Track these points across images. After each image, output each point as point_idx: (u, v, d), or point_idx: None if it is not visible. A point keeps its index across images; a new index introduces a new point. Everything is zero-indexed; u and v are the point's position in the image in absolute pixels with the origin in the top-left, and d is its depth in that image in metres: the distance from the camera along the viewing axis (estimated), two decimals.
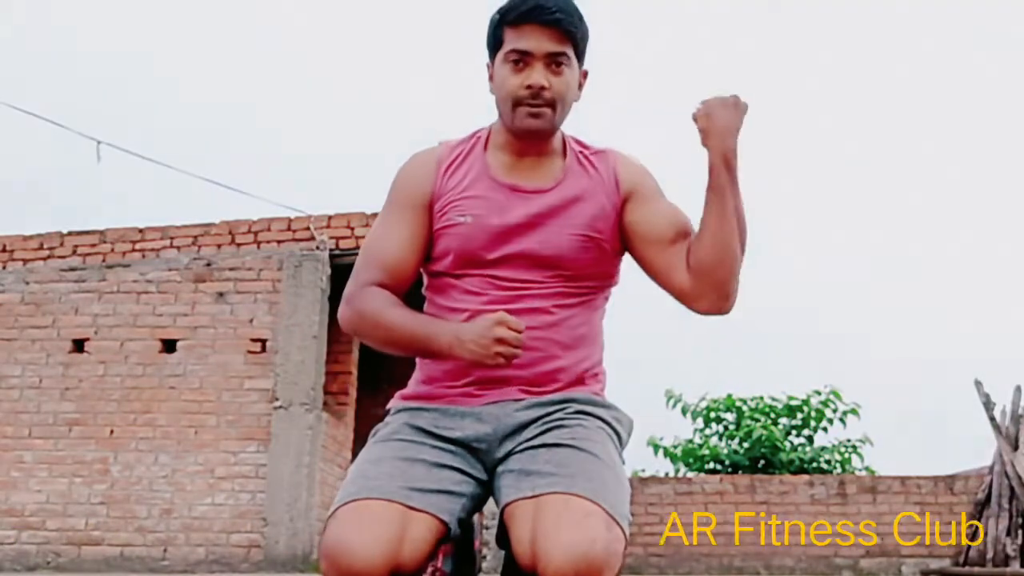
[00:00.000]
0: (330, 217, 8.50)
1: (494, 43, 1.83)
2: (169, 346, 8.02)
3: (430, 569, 1.67)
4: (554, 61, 1.78)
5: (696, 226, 1.82)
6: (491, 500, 1.75)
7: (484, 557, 1.88)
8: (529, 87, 1.77)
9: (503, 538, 1.64)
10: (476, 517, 1.78)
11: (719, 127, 1.79)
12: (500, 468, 1.72)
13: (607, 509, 1.56)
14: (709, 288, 1.80)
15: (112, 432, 7.85)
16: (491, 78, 1.85)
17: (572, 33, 1.78)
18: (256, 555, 7.53)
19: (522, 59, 1.78)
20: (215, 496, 7.68)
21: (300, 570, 7.34)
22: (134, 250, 8.56)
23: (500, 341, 1.66)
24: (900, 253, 34.85)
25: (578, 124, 1.92)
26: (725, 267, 1.78)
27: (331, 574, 1.54)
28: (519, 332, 1.68)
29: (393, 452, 1.71)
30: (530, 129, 1.80)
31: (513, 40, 1.78)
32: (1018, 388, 9.50)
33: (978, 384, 9.67)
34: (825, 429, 13.68)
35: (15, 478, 7.82)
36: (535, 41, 1.77)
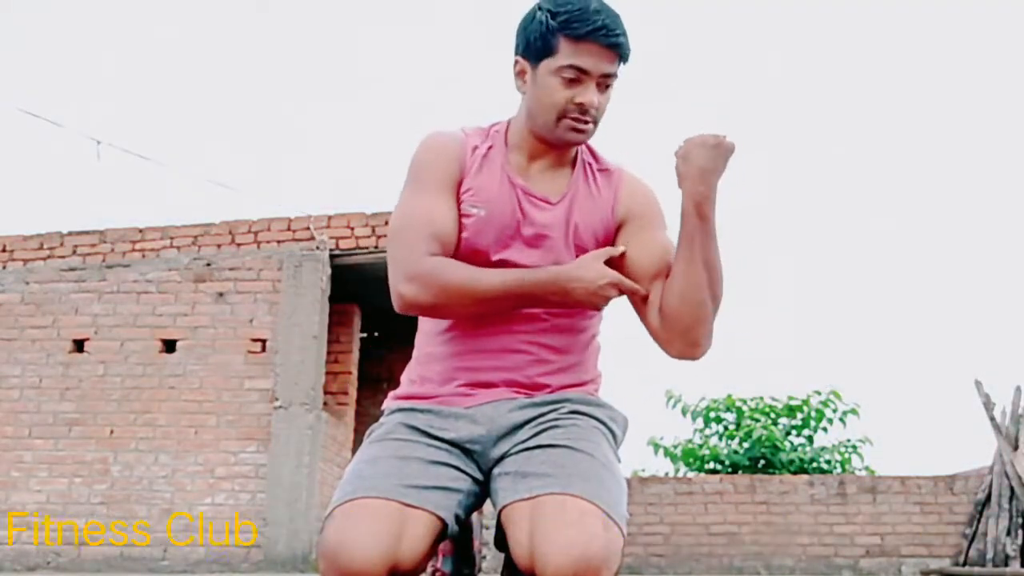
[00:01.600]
0: (330, 217, 8.51)
1: (543, 47, 1.76)
2: (169, 346, 8.03)
3: (430, 569, 1.67)
4: (605, 81, 1.76)
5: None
6: (489, 501, 1.74)
7: (484, 557, 1.88)
8: (580, 104, 1.75)
9: (501, 541, 1.64)
10: (475, 517, 1.78)
11: (694, 171, 1.71)
12: (496, 470, 1.72)
13: (604, 508, 1.56)
14: (676, 335, 1.76)
15: (112, 432, 7.86)
16: (521, 74, 1.81)
17: (626, 56, 1.77)
18: (256, 555, 7.53)
19: (578, 76, 1.74)
20: (215, 496, 7.69)
21: (300, 570, 7.34)
22: (134, 250, 8.57)
23: (605, 298, 1.75)
24: (900, 251, 34.88)
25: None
26: (690, 316, 1.73)
27: (330, 574, 1.54)
28: (631, 291, 1.77)
29: (389, 451, 1.71)
30: (570, 142, 1.81)
31: (570, 54, 1.73)
32: (1018, 388, 9.50)
33: (978, 384, 9.67)
34: (825, 429, 13.68)
35: (15, 478, 7.83)
36: (594, 61, 1.74)
